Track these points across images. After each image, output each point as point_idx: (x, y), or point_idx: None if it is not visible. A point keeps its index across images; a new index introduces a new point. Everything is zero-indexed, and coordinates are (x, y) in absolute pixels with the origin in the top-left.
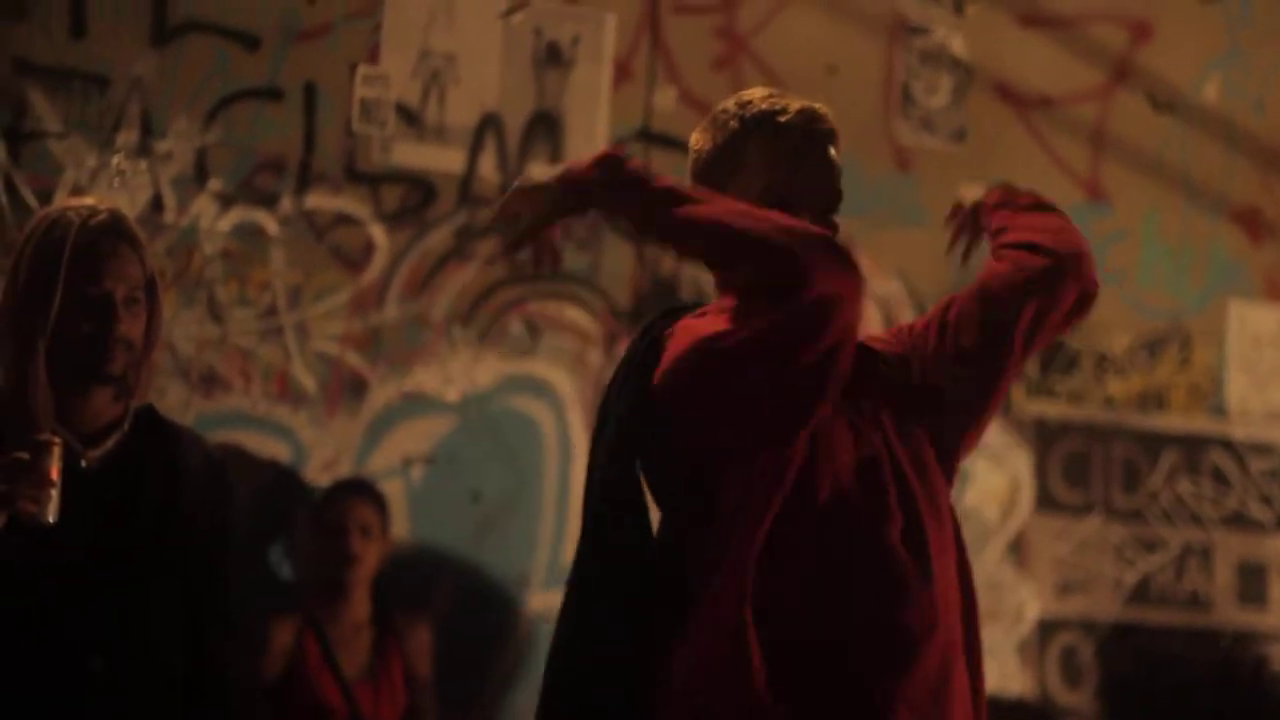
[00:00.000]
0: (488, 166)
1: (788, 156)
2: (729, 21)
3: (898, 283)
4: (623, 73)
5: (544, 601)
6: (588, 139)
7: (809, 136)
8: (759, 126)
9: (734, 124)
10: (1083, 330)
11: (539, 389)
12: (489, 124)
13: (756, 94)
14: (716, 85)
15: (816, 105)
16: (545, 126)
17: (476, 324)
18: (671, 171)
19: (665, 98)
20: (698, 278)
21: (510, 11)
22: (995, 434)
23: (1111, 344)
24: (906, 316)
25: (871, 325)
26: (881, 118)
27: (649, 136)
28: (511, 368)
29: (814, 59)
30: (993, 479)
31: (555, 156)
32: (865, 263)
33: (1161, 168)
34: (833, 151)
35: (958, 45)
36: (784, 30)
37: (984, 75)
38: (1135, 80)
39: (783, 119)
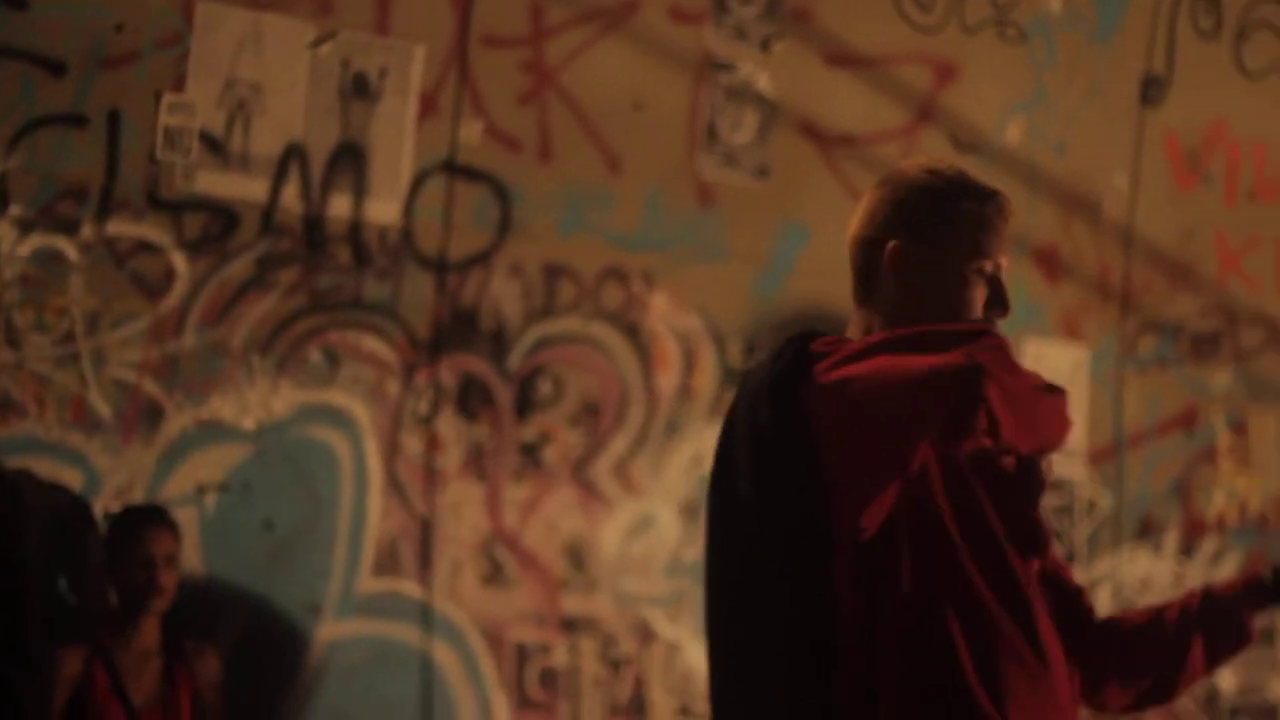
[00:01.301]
0: (291, 196)
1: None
2: (537, 56)
3: (698, 318)
4: (429, 105)
5: (335, 631)
6: (392, 171)
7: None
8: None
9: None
10: None
11: (336, 418)
12: (293, 154)
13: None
14: (523, 119)
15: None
16: (350, 158)
17: (275, 353)
18: (474, 203)
19: (471, 131)
20: (497, 309)
21: (318, 42)
22: None
23: None
24: (707, 352)
25: (671, 360)
26: (686, 153)
27: (454, 169)
28: (309, 397)
29: (621, 94)
30: None
31: (359, 188)
32: (665, 298)
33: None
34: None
35: (763, 82)
36: (591, 65)
37: (789, 113)
38: (939, 121)
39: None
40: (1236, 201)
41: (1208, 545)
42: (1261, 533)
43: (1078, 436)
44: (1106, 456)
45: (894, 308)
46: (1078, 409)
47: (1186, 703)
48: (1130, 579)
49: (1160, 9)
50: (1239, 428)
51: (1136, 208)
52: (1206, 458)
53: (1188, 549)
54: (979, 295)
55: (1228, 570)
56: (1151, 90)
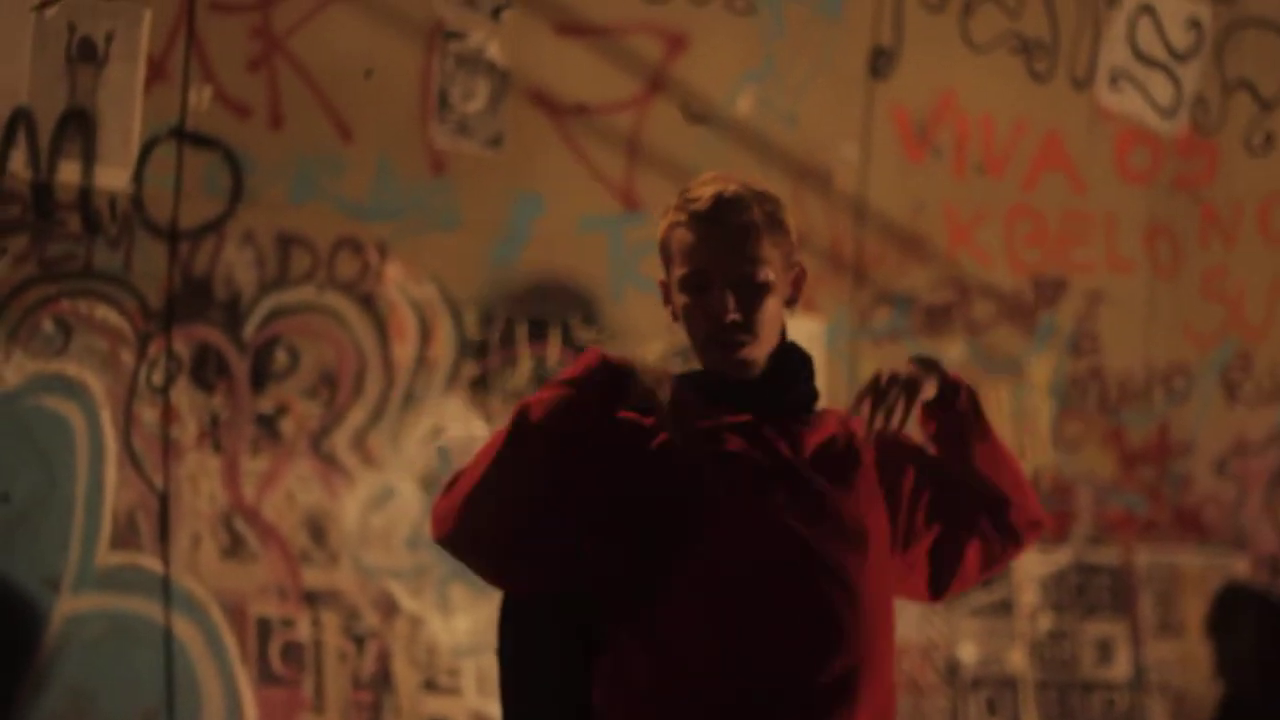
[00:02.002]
0: (18, 163)
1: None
2: (265, 21)
3: (432, 287)
4: (157, 71)
5: (73, 605)
6: (122, 137)
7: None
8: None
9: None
10: (619, 338)
11: (70, 388)
12: (19, 119)
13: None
14: (252, 85)
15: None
16: (78, 124)
17: (6, 322)
18: (204, 170)
19: (200, 97)
20: (230, 278)
21: (44, 5)
22: None
23: (647, 352)
24: (442, 321)
25: (407, 331)
26: (418, 122)
27: (183, 136)
28: (41, 366)
29: (351, 61)
30: None
31: (87, 155)
32: (400, 268)
33: (694, 177)
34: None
35: (495, 51)
36: (321, 31)
37: (521, 81)
38: (671, 91)
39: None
40: (966, 174)
41: None
42: None
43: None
44: None
45: None
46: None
47: (928, 674)
48: None
49: None
50: None
51: (868, 180)
52: None
53: None
54: (702, 308)
55: None
56: (880, 63)
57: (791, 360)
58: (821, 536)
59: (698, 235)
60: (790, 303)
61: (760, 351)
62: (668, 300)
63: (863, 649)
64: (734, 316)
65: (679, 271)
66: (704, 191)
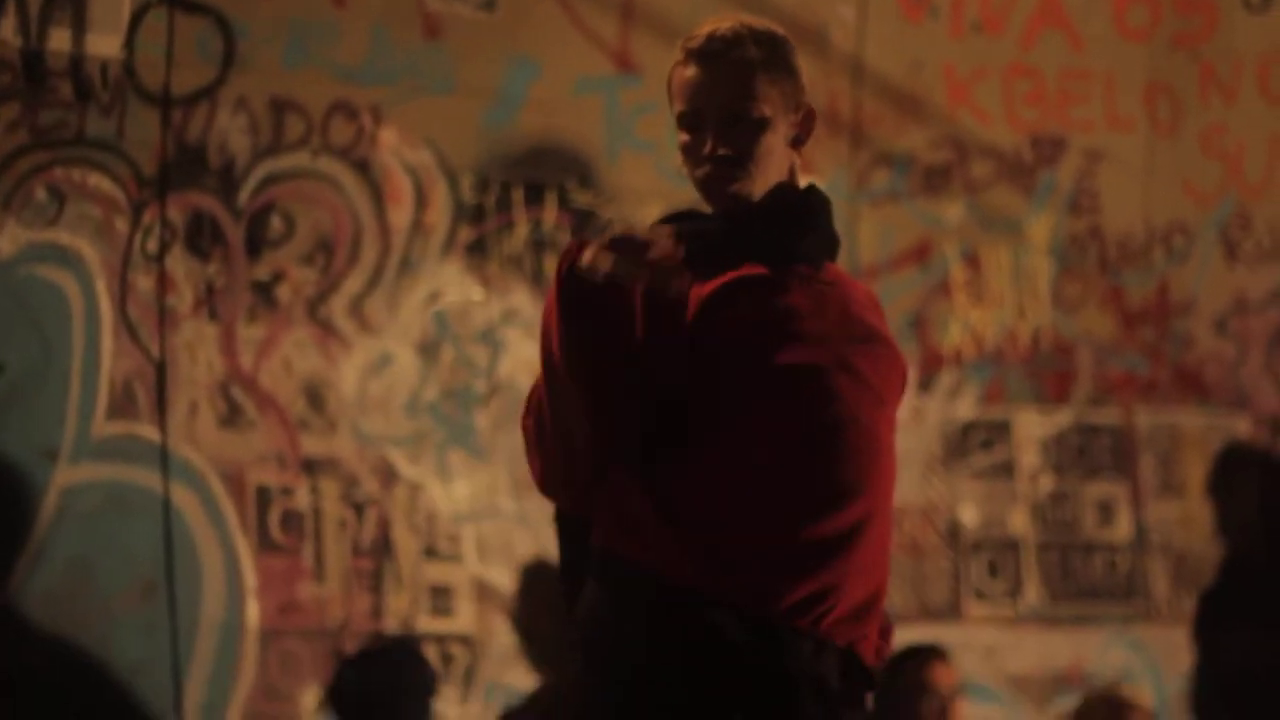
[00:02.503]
0: (8, 30)
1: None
2: None
3: (427, 151)
4: None
5: (71, 476)
6: (112, 4)
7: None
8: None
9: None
10: (615, 200)
11: (64, 258)
12: None
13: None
14: None
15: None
16: None
17: None
18: (196, 36)
19: None
20: (224, 145)
21: None
22: None
23: (647, 215)
24: (438, 187)
25: (403, 196)
26: None
27: (174, 1)
28: (35, 236)
29: None
30: (524, 348)
31: (78, 21)
32: (395, 133)
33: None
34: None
35: None
36: None
37: None
38: None
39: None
40: (963, 33)
41: (945, 379)
42: (997, 366)
43: None
44: None
45: None
46: None
47: (930, 536)
48: None
49: None
50: (972, 261)
51: (865, 39)
52: (941, 291)
53: (925, 383)
54: (697, 146)
55: (966, 404)
56: None
57: (808, 201)
58: (849, 388)
59: (693, 72)
60: (797, 143)
61: (755, 187)
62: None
63: (877, 499)
64: (723, 150)
65: (676, 109)
66: (702, 30)
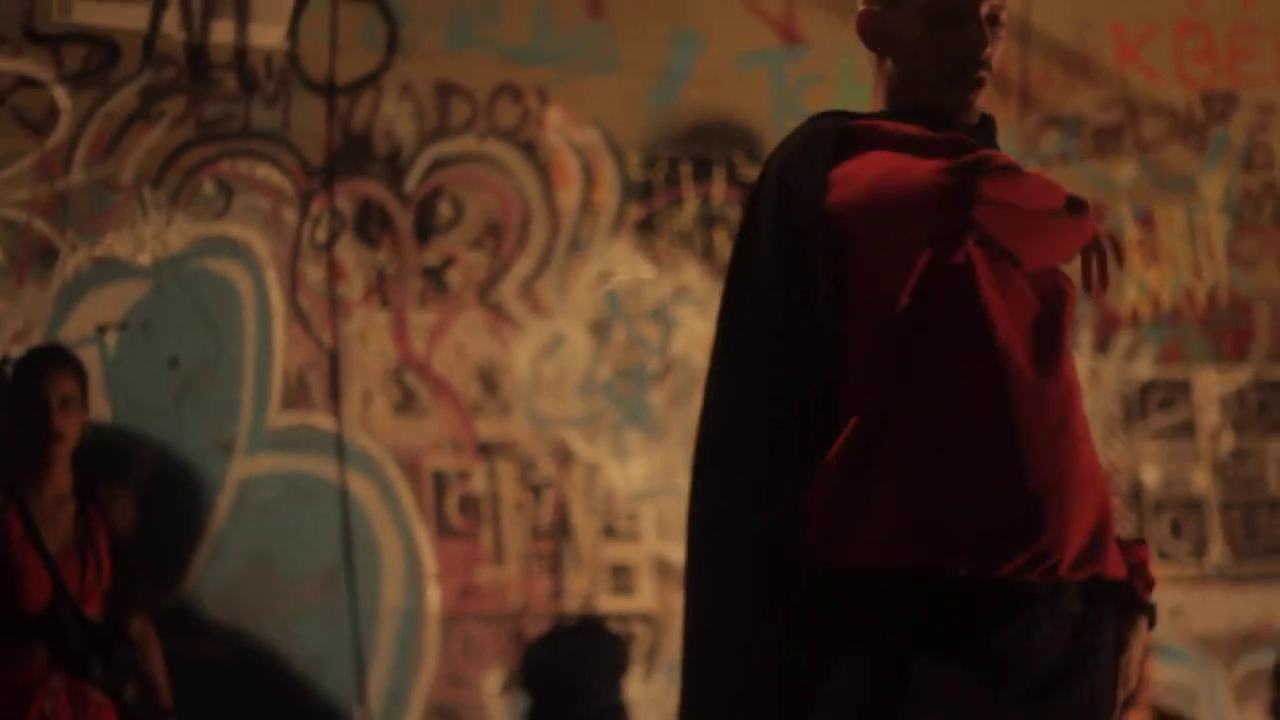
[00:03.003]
0: (171, 24)
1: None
2: None
3: (594, 130)
4: None
5: (248, 468)
6: None
7: None
8: None
9: None
10: None
11: (234, 250)
12: None
13: None
14: None
15: None
16: None
17: (167, 186)
18: (359, 23)
19: None
20: (390, 131)
21: None
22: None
23: None
24: (606, 166)
25: (571, 176)
26: None
27: None
28: (205, 229)
29: None
30: (697, 325)
31: (241, 13)
32: (561, 113)
33: (855, 8)
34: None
35: None
36: None
37: None
38: None
39: None
40: None
41: (1123, 340)
42: (1174, 326)
43: None
44: None
45: (881, 80)
46: None
47: (1112, 498)
48: None
49: None
50: (1146, 220)
51: (1031, 0)
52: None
53: (1102, 344)
54: (954, 41)
55: (1144, 364)
56: None
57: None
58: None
59: None
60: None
61: (981, 96)
62: (868, 30)
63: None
64: (990, 50)
65: None
66: None
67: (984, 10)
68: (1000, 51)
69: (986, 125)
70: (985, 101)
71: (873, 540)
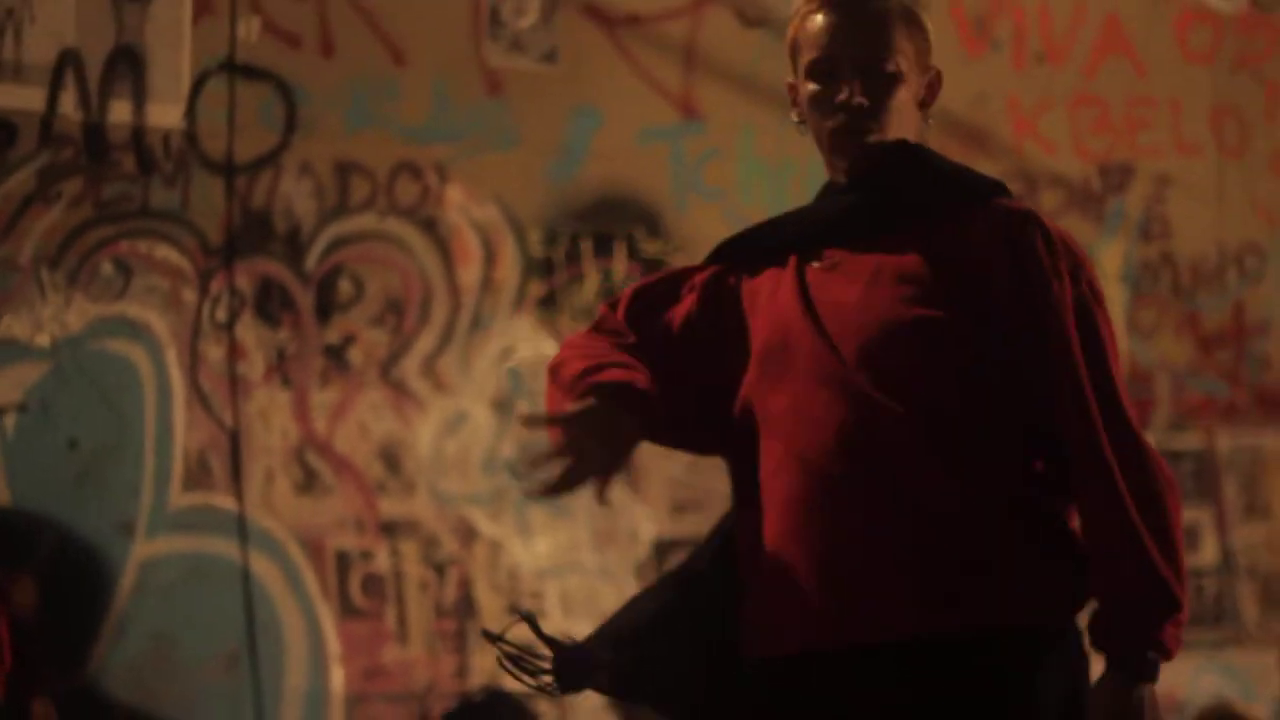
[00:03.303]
0: (69, 104)
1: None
2: None
3: (494, 207)
4: (204, 4)
5: (148, 549)
6: (172, 74)
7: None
8: None
9: None
10: (685, 249)
11: (133, 330)
12: (67, 61)
13: None
14: (302, 13)
15: None
16: (127, 62)
17: (65, 266)
18: (257, 102)
19: (249, 28)
20: (290, 210)
21: None
22: None
23: None
24: (507, 242)
25: (471, 253)
26: (471, 41)
27: (234, 69)
28: (104, 309)
29: None
30: None
31: (138, 93)
32: (461, 190)
33: (754, 83)
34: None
35: None
36: None
37: None
38: None
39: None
40: (1026, 65)
41: None
42: None
43: None
44: None
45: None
46: None
47: None
48: None
49: None
50: None
51: None
52: None
53: None
54: (830, 98)
55: None
56: None
57: (912, 155)
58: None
59: (829, 20)
60: (923, 105)
61: (875, 145)
62: (795, 102)
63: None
64: (860, 100)
65: (808, 57)
66: None
67: (858, 62)
68: (903, 101)
69: (890, 169)
70: None
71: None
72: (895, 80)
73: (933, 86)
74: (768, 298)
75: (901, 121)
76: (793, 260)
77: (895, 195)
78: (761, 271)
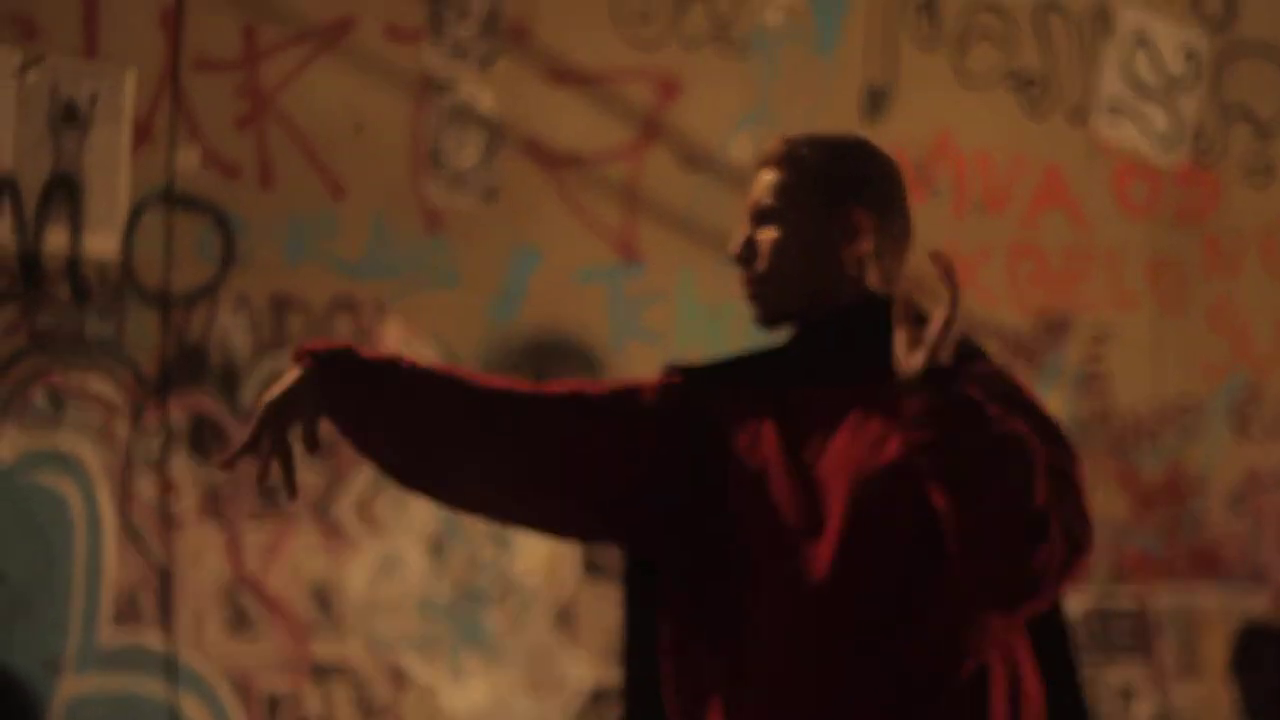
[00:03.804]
0: (4, 232)
1: None
2: (252, 79)
3: (432, 345)
4: (143, 132)
5: (76, 687)
6: (109, 202)
7: None
8: None
9: None
10: None
11: (65, 464)
12: (3, 188)
13: None
14: (241, 145)
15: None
16: (64, 189)
17: None
18: (195, 233)
19: (188, 158)
20: (225, 344)
21: (24, 67)
22: None
23: None
24: None
25: None
26: (411, 177)
27: (172, 199)
28: (35, 442)
29: (340, 117)
30: (537, 547)
31: (74, 221)
32: (398, 327)
33: (693, 226)
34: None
35: (486, 102)
36: (309, 87)
37: (514, 133)
38: (665, 138)
39: None
40: (965, 213)
41: None
42: None
43: None
44: None
45: None
46: None
47: None
48: None
49: (878, 20)
50: None
51: None
52: None
53: None
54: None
55: None
56: (875, 103)
57: (861, 315)
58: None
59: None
60: (848, 240)
61: (769, 290)
62: None
63: None
64: (732, 249)
65: None
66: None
67: (751, 209)
68: (769, 239)
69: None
70: None
71: None
72: (762, 217)
73: (841, 221)
74: (746, 450)
75: (774, 260)
76: (768, 411)
77: (849, 348)
78: (731, 408)
